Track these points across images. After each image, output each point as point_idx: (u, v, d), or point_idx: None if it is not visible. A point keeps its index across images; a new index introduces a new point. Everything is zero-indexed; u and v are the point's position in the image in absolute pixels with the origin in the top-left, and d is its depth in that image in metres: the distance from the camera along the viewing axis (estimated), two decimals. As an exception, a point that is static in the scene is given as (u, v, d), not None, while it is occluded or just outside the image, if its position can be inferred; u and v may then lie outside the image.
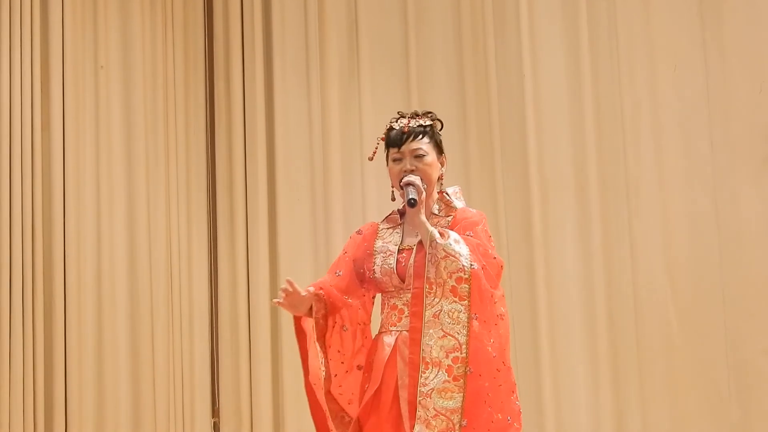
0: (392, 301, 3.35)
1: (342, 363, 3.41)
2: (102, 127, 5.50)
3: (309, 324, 3.41)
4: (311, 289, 3.37)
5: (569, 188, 5.03)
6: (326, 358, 3.38)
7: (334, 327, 3.41)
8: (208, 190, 5.84)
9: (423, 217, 3.25)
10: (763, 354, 4.57)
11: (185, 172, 5.77)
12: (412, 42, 5.47)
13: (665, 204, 4.83)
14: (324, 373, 3.35)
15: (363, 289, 3.45)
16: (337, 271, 3.45)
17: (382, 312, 3.41)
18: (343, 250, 3.52)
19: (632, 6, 4.95)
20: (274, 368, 5.57)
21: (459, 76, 5.34)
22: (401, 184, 3.30)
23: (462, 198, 3.45)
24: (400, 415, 3.24)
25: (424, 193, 3.28)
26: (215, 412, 5.69)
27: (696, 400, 4.70)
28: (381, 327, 3.38)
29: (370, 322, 3.49)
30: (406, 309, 3.28)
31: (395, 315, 3.33)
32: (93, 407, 5.28)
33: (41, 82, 5.29)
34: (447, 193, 3.42)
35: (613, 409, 4.86)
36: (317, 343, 3.37)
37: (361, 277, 3.43)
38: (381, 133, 3.50)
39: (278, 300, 3.37)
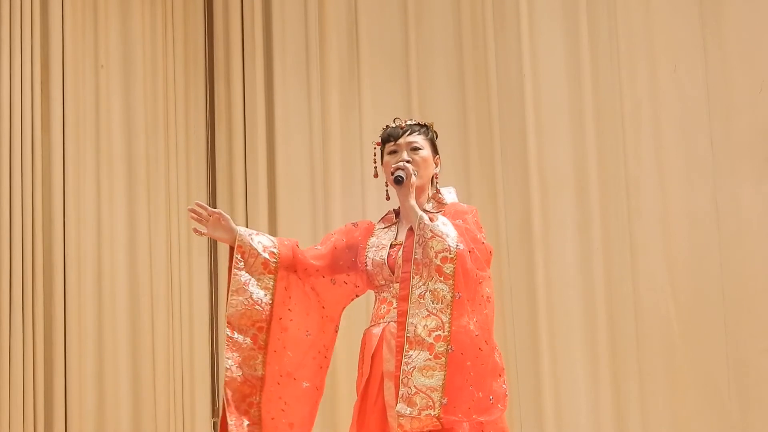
0: (382, 294, 3.40)
1: (290, 310, 3.47)
2: (102, 127, 5.50)
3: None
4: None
5: (569, 188, 5.03)
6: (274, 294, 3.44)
7: (292, 276, 3.48)
8: (208, 190, 5.84)
9: (413, 201, 3.31)
10: (763, 354, 4.57)
11: (185, 172, 5.77)
12: (412, 42, 5.47)
13: (665, 204, 4.83)
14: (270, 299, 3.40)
15: (343, 275, 3.51)
16: (317, 246, 3.53)
17: (373, 307, 3.45)
18: (332, 231, 3.60)
19: (632, 6, 4.95)
20: (274, 368, 5.57)
21: (459, 76, 5.34)
22: (392, 169, 3.35)
23: (455, 196, 3.48)
24: (384, 407, 3.26)
25: (414, 176, 3.33)
26: (215, 412, 5.69)
27: (696, 400, 4.70)
28: (370, 321, 3.42)
29: (333, 312, 3.54)
30: (394, 301, 3.32)
31: (384, 308, 3.37)
32: (93, 407, 5.28)
33: (41, 82, 5.29)
34: (440, 192, 3.47)
35: (613, 409, 4.86)
36: (267, 277, 3.43)
37: (347, 263, 3.49)
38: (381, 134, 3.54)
39: (198, 230, 3.48)
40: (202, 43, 5.93)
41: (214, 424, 5.69)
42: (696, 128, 4.79)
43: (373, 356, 3.33)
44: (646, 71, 4.90)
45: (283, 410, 3.43)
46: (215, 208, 5.67)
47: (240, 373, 3.38)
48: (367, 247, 3.46)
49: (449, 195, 3.47)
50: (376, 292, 3.44)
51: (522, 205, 5.09)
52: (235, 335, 3.39)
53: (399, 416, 3.12)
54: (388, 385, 3.24)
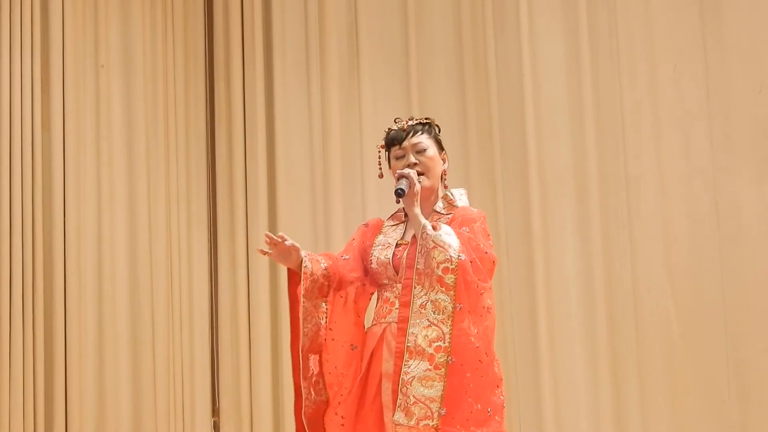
0: (385, 293, 3.41)
1: (331, 329, 3.44)
2: (102, 127, 5.50)
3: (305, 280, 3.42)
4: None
5: (569, 188, 5.03)
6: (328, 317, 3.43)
7: (336, 295, 3.45)
8: (208, 190, 5.84)
9: (417, 210, 3.30)
10: (763, 354, 4.58)
11: (185, 172, 5.77)
12: (412, 42, 5.47)
13: (665, 204, 4.83)
14: (325, 321, 3.39)
15: (367, 280, 3.50)
16: (344, 256, 3.51)
17: (376, 305, 3.45)
18: (351, 237, 3.59)
19: (632, 6, 4.96)
20: (274, 368, 5.58)
21: (459, 76, 5.34)
22: (395, 176, 3.34)
23: (466, 199, 3.48)
24: (381, 407, 3.28)
25: (417, 185, 3.33)
26: (215, 411, 5.69)
27: (696, 400, 4.70)
28: (373, 319, 3.43)
29: (364, 317, 3.52)
30: (396, 301, 3.32)
31: (386, 307, 3.38)
32: (93, 407, 5.28)
33: (41, 82, 5.29)
34: (452, 194, 3.45)
35: (613, 409, 4.86)
36: (323, 301, 3.41)
37: (366, 267, 3.49)
38: (381, 133, 3.54)
39: (263, 249, 3.41)
40: (202, 43, 5.93)
41: (214, 423, 5.69)
42: (696, 128, 4.79)
43: (372, 355, 3.34)
44: (646, 71, 4.90)
45: (342, 426, 3.41)
46: (215, 207, 5.78)
47: (313, 399, 3.41)
48: (374, 245, 3.47)
49: (461, 198, 3.47)
50: (378, 290, 3.45)
51: (522, 205, 5.09)
52: (310, 364, 3.41)
53: (396, 425, 3.14)
54: (386, 386, 3.25)
